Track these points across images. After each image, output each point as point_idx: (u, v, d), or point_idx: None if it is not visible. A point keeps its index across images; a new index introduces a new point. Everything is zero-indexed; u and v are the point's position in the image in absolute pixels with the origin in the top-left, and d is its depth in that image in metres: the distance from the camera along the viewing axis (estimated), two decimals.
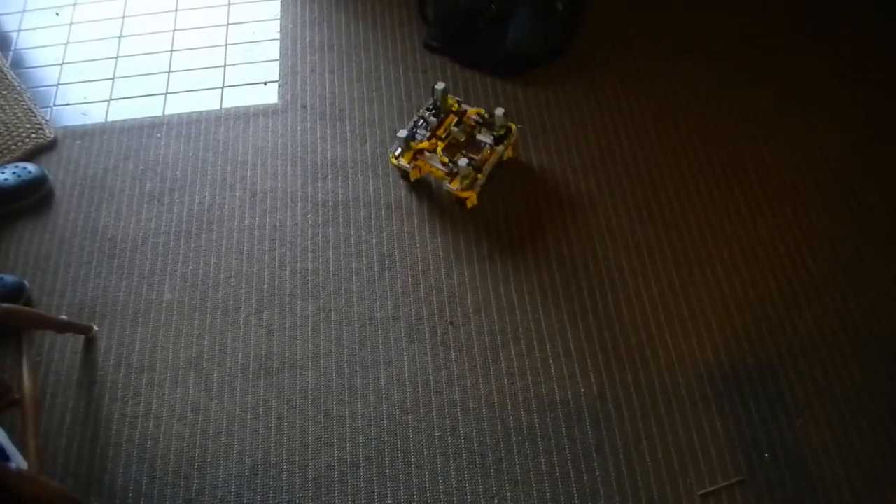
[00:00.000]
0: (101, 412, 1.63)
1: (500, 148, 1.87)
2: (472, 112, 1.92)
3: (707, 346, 1.67)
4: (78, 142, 2.06)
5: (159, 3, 2.36)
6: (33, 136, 2.05)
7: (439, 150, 1.85)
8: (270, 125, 2.06)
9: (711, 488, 1.50)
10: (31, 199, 1.93)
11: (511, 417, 1.59)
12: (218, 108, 2.11)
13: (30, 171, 1.93)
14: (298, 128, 2.05)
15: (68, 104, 2.15)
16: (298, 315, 1.74)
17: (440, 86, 1.90)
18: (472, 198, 1.85)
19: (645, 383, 1.62)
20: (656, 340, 1.68)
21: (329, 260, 1.82)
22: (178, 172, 1.99)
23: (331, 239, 1.86)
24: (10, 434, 1.36)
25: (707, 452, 1.54)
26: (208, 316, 1.75)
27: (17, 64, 2.24)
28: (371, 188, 1.93)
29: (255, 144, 2.03)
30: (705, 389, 1.61)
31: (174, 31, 2.29)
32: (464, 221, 1.86)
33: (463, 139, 1.88)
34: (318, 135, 2.04)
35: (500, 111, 1.87)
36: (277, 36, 2.26)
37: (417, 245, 1.83)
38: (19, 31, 2.33)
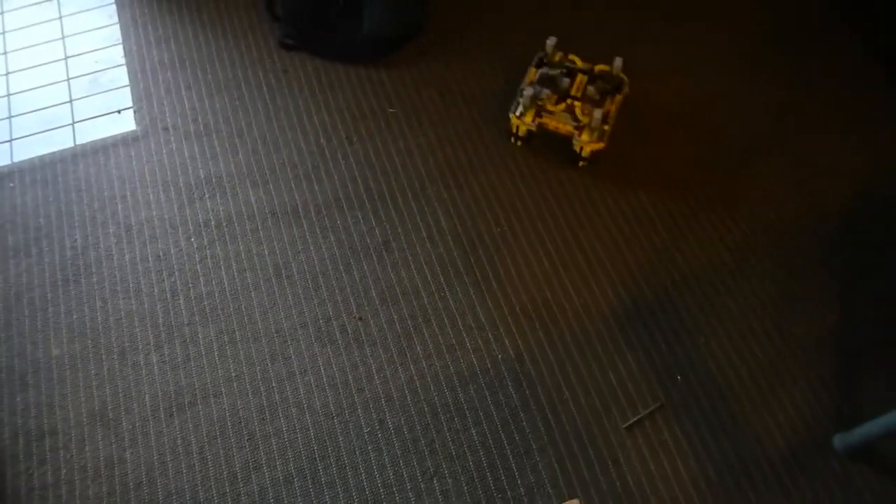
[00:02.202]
0: (5, 491, 1.52)
1: (619, 96, 1.91)
2: (598, 68, 1.94)
3: (607, 288, 1.73)
4: None
5: None
6: None
7: (578, 110, 1.86)
8: (133, 153, 1.96)
9: (634, 419, 1.57)
10: None
11: (436, 398, 1.60)
12: (72, 145, 1.98)
13: None
14: (164, 151, 1.96)
15: None
16: (201, 343, 1.68)
17: (551, 41, 1.94)
18: (600, 147, 1.87)
19: (557, 336, 1.67)
20: (560, 294, 1.72)
21: (223, 280, 1.76)
22: (41, 220, 1.86)
23: (220, 258, 1.79)
24: None
25: (624, 387, 1.60)
26: (104, 363, 1.66)
27: None
28: (252, 199, 1.87)
29: (120, 176, 1.92)
30: (613, 330, 1.67)
31: (7, 73, 2.13)
32: (352, 216, 1.84)
33: (598, 98, 1.90)
34: (187, 154, 1.95)
35: (618, 61, 1.90)
36: (123, 61, 2.14)
37: (311, 248, 1.80)
38: None
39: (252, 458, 1.54)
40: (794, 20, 2.17)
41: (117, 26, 2.21)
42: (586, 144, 1.85)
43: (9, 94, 2.09)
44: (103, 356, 1.67)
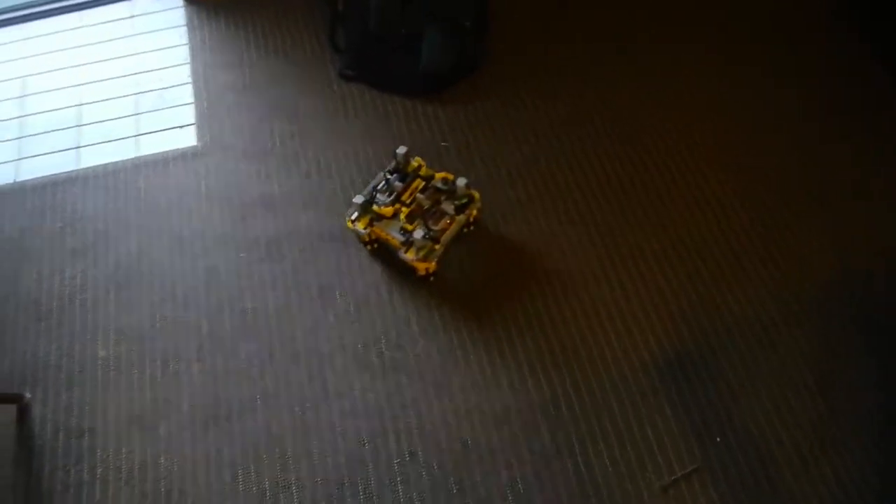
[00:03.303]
0: (42, 485, 1.55)
1: (462, 217, 1.79)
2: (439, 177, 1.83)
3: (649, 336, 1.71)
4: None
5: (61, 60, 2.29)
6: None
7: (402, 216, 1.76)
8: (192, 168, 2.02)
9: (671, 479, 1.53)
10: None
11: (469, 435, 1.59)
12: (135, 156, 2.06)
13: None
14: (221, 168, 2.02)
15: None
16: (242, 357, 1.71)
17: (401, 150, 1.83)
18: (430, 267, 1.76)
19: (594, 383, 1.65)
20: (600, 338, 1.71)
21: (268, 297, 1.79)
22: (99, 225, 1.92)
23: (267, 276, 1.83)
24: None
25: (661, 443, 1.57)
26: (147, 369, 1.69)
27: None
28: (303, 221, 1.91)
29: (178, 189, 1.98)
30: (652, 380, 1.65)
31: (81, 85, 2.23)
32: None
33: (428, 205, 1.78)
34: (243, 173, 2.01)
35: (461, 181, 1.79)
36: (189, 80, 2.22)
37: (356, 273, 1.82)
38: None
39: (282, 477, 1.55)
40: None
41: (187, 47, 2.30)
42: (412, 262, 1.73)
43: (81, 104, 2.18)
44: (147, 362, 1.70)
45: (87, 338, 1.74)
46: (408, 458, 1.57)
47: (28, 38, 2.36)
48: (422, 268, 1.75)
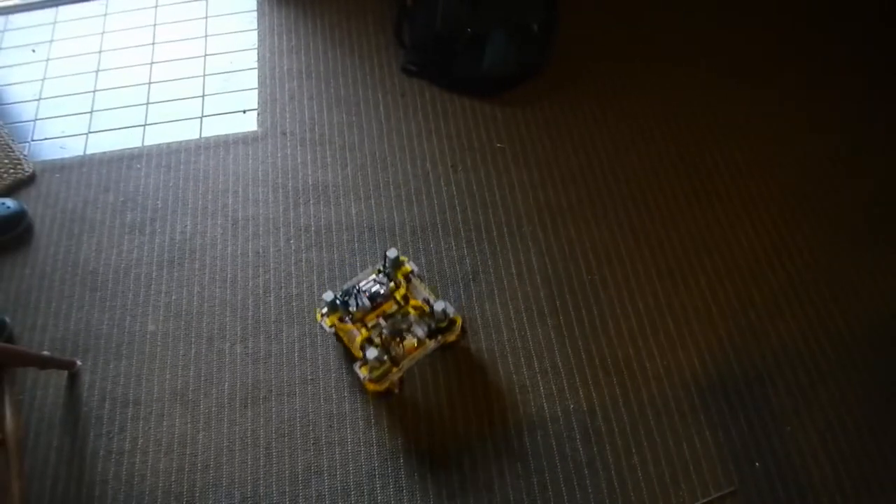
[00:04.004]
0: (86, 450, 1.61)
1: (431, 343, 1.57)
2: (414, 304, 1.61)
3: (693, 356, 1.67)
4: (57, 175, 2.05)
5: (135, 38, 2.37)
6: (11, 171, 2.04)
7: (359, 339, 1.56)
8: (251, 152, 2.07)
9: (704, 500, 1.50)
10: (11, 234, 1.91)
11: (501, 437, 1.59)
12: (197, 137, 2.11)
13: (8, 207, 1.92)
14: (279, 154, 2.06)
15: (46, 139, 2.14)
16: (284, 341, 1.73)
17: (392, 253, 1.62)
18: (379, 389, 1.56)
19: (633, 396, 1.63)
20: (643, 353, 1.68)
21: (313, 284, 1.82)
22: (158, 202, 1.98)
23: (314, 264, 1.85)
24: None
25: (698, 464, 1.54)
26: (193, 346, 1.74)
27: None
28: (353, 212, 1.93)
29: (235, 172, 2.03)
30: (693, 400, 1.62)
31: (151, 63, 2.30)
32: (446, 243, 1.87)
33: (389, 330, 1.58)
34: (299, 160, 2.04)
35: (440, 305, 1.56)
36: (255, 65, 2.27)
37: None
38: None
39: (315, 462, 1.57)
40: None
41: (255, 32, 2.35)
42: (364, 382, 1.55)
43: (150, 82, 2.25)
44: (193, 339, 1.75)
45: (139, 311, 1.79)
46: (439, 456, 1.57)
47: (108, 14, 2.44)
48: (371, 388, 1.56)
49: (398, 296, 1.62)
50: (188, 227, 1.93)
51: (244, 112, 2.17)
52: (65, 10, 2.46)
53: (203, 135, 2.12)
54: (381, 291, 1.62)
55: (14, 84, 2.28)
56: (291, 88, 2.20)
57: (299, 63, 2.26)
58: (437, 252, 1.85)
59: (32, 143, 2.14)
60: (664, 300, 1.75)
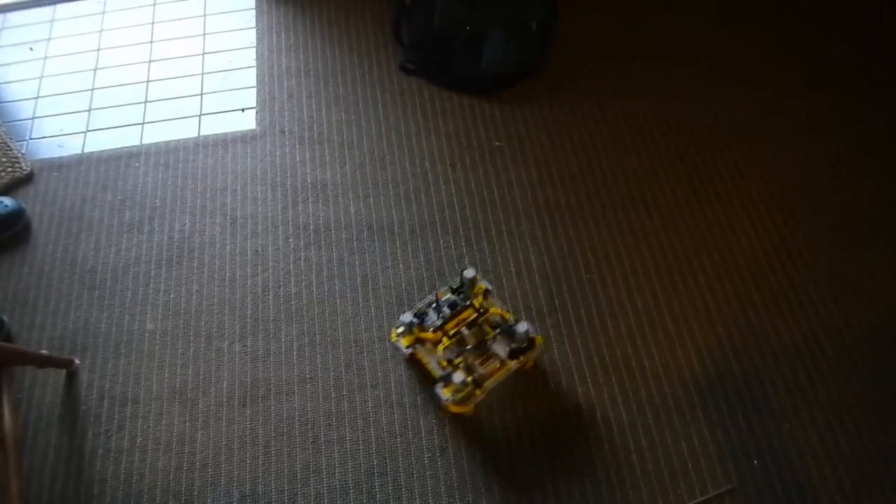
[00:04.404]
0: (84, 448, 1.61)
1: (513, 363, 1.57)
2: (494, 311, 1.62)
3: (692, 354, 1.67)
4: (55, 174, 2.04)
5: (133, 36, 2.36)
6: (9, 169, 2.04)
7: (440, 349, 1.58)
8: (249, 151, 2.06)
9: (702, 498, 1.50)
10: (9, 232, 1.91)
11: (500, 435, 1.59)
12: (196, 135, 2.11)
13: (6, 205, 1.91)
14: (277, 152, 2.06)
15: (44, 137, 2.14)
16: (283, 340, 1.73)
17: (469, 273, 1.61)
18: (465, 412, 1.57)
19: (632, 395, 1.63)
20: (642, 351, 1.68)
21: (312, 283, 1.81)
22: (157, 201, 1.98)
23: (313, 262, 1.85)
24: None
25: (696, 462, 1.54)
26: (191, 345, 1.74)
27: None
28: (352, 210, 1.93)
29: (234, 170, 2.02)
30: (692, 398, 1.62)
31: (149, 61, 2.29)
32: (445, 241, 1.87)
33: (474, 343, 1.58)
34: (298, 159, 2.04)
35: (522, 326, 1.54)
36: (254, 63, 2.26)
37: (400, 265, 1.83)
38: None
39: (313, 461, 1.57)
40: None
41: (254, 31, 2.34)
42: (447, 404, 1.54)
43: (148, 81, 2.25)
44: (191, 337, 1.74)
45: (137, 310, 1.79)
46: (438, 453, 1.57)
47: (106, 12, 2.44)
48: (454, 410, 1.56)
49: (476, 304, 1.63)
50: (187, 225, 1.93)
51: (242, 110, 2.16)
52: (62, 8, 2.46)
53: (201, 133, 2.11)
54: (453, 308, 1.62)
55: (12, 82, 2.28)
56: (290, 87, 2.20)
57: (298, 61, 2.25)
58: (435, 250, 1.85)
59: (30, 141, 2.13)
60: (663, 299, 1.75)
